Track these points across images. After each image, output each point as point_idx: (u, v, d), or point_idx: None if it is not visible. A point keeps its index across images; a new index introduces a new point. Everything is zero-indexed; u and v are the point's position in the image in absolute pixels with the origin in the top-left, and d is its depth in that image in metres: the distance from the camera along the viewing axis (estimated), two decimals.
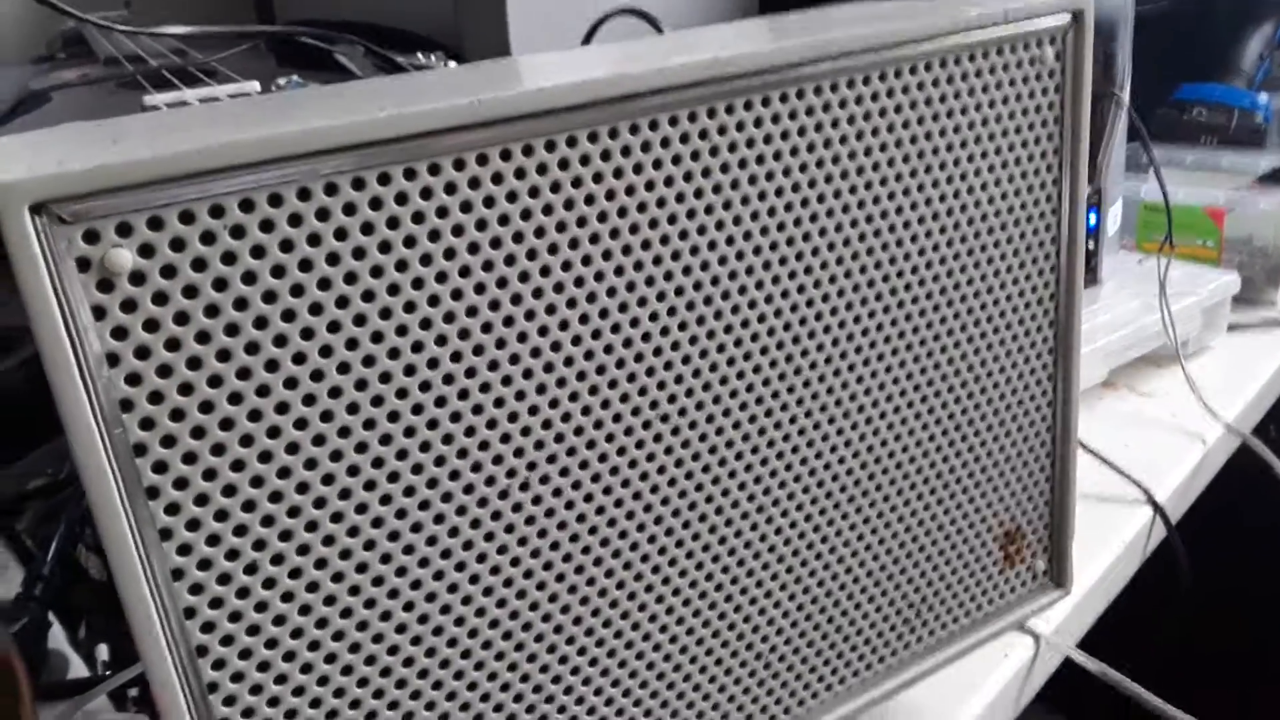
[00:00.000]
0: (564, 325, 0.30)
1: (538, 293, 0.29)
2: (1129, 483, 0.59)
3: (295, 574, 0.28)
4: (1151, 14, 0.84)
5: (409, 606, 0.29)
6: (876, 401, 0.36)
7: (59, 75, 0.64)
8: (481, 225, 0.27)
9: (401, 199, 0.26)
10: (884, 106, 0.33)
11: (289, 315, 0.26)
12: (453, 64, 0.65)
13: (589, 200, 0.29)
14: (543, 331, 0.29)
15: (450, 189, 0.27)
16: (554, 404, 0.30)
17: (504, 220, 0.28)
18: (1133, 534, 0.57)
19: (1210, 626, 1.10)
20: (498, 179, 0.27)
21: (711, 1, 0.86)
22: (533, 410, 0.30)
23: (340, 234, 0.26)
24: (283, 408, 0.26)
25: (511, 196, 0.28)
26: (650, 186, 0.30)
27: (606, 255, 0.30)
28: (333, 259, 0.26)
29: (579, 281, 0.29)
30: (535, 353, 0.29)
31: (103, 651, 0.48)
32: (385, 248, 0.26)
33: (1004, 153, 0.36)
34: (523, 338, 0.29)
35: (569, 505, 0.31)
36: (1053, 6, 0.36)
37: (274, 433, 0.26)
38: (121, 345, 0.24)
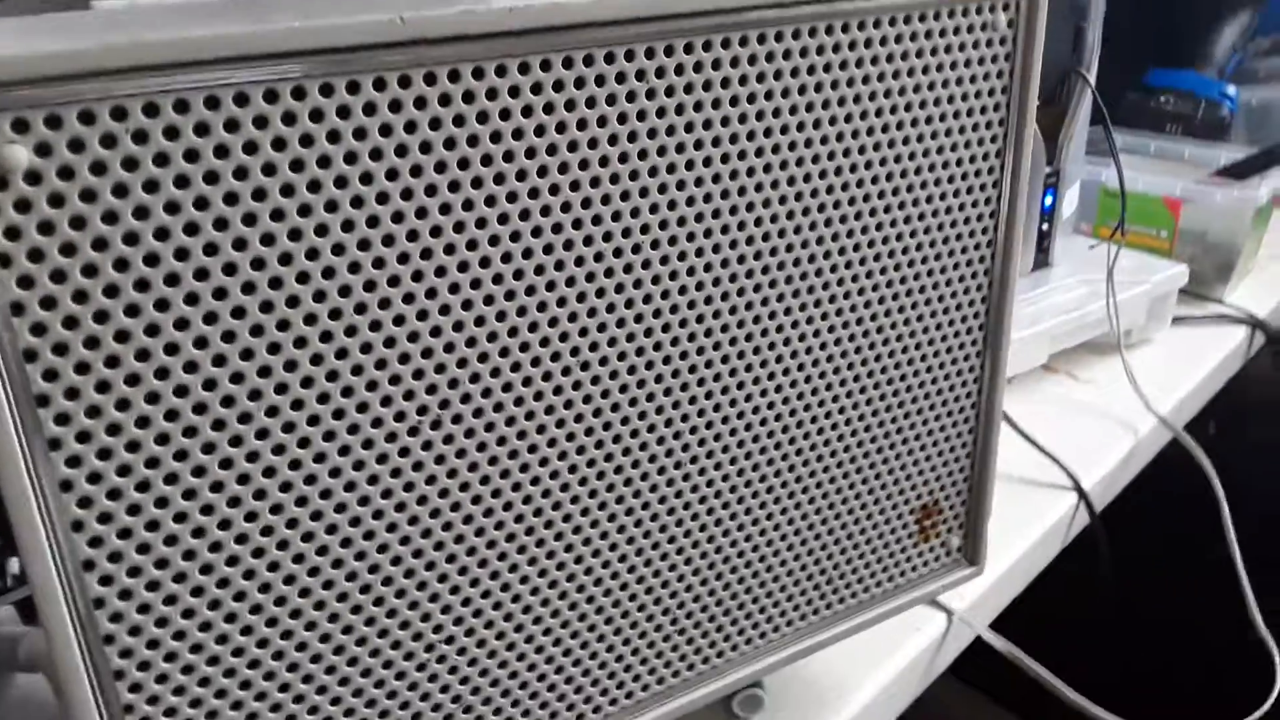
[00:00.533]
0: (485, 262, 0.29)
1: (459, 226, 0.28)
2: (1057, 467, 0.60)
3: (189, 495, 0.27)
4: None
5: (307, 536, 0.29)
6: (802, 365, 0.36)
7: None
8: (402, 151, 0.27)
9: (316, 116, 0.25)
10: (829, 61, 0.32)
11: (192, 229, 0.25)
12: None
13: (517, 134, 0.28)
14: (463, 267, 0.29)
15: (370, 109, 0.26)
16: (471, 342, 0.29)
17: (426, 148, 0.27)
18: (1055, 519, 0.57)
19: (1133, 616, 1.12)
20: (421, 103, 0.26)
21: None
22: (448, 347, 0.29)
23: (250, 147, 0.25)
24: (182, 324, 0.26)
25: (435, 123, 0.27)
26: (582, 125, 0.29)
27: (534, 193, 0.29)
28: (241, 173, 0.25)
29: (503, 218, 0.29)
30: (454, 289, 0.29)
31: (14, 565, 0.48)
32: (298, 166, 0.25)
33: (949, 119, 0.35)
34: (441, 272, 0.28)
35: (480, 447, 0.31)
36: None
37: (172, 350, 0.26)
38: (14, 246, 0.23)
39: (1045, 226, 0.71)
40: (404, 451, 0.29)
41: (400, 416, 0.29)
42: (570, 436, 0.32)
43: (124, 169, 0.24)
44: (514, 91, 0.27)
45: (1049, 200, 0.71)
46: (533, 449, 0.32)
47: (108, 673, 0.27)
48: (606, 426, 0.33)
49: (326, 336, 0.27)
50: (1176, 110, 0.89)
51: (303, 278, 0.26)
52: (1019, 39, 0.36)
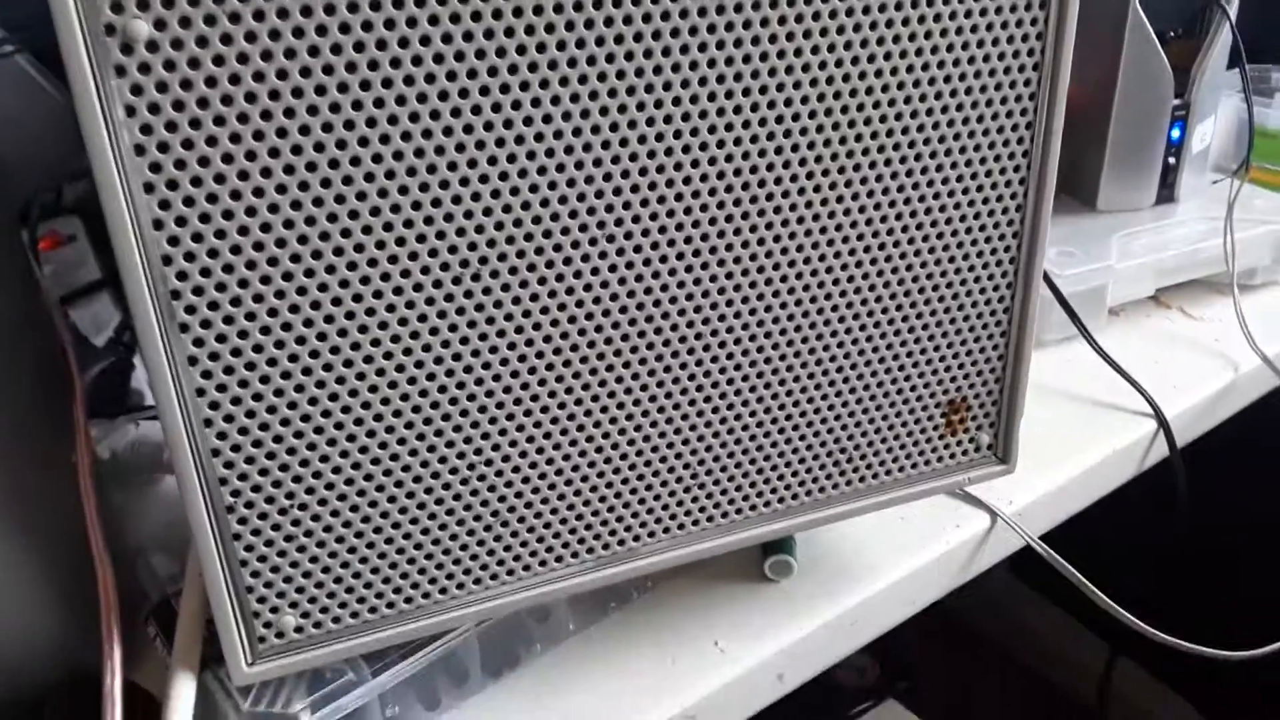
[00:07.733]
0: (540, 134, 0.34)
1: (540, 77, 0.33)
2: (1139, 394, 0.60)
3: (297, 333, 0.34)
4: None
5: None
6: (838, 253, 0.39)
7: None
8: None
9: None
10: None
11: (274, 95, 0.31)
12: None
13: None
14: (546, 138, 0.34)
15: None
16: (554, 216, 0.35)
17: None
18: (1127, 442, 0.58)
19: (1206, 554, 1.09)
20: None
21: None
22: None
23: (320, 30, 0.31)
24: (267, 173, 0.32)
25: None
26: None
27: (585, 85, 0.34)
28: (314, 51, 0.31)
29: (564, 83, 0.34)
30: (541, 137, 0.34)
31: None
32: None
33: (979, 54, 0.38)
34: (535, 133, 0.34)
35: (534, 311, 0.36)
36: None
37: (259, 193, 0.32)
38: (137, 100, 0.30)
39: (1171, 160, 0.70)
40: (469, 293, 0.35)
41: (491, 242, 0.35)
42: (607, 312, 0.37)
43: (221, 44, 0.30)
44: None
45: (1176, 133, 0.69)
46: (559, 328, 0.37)
47: (207, 451, 0.35)
48: (639, 284, 0.37)
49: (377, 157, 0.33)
50: None
51: (350, 126, 0.32)
52: None
